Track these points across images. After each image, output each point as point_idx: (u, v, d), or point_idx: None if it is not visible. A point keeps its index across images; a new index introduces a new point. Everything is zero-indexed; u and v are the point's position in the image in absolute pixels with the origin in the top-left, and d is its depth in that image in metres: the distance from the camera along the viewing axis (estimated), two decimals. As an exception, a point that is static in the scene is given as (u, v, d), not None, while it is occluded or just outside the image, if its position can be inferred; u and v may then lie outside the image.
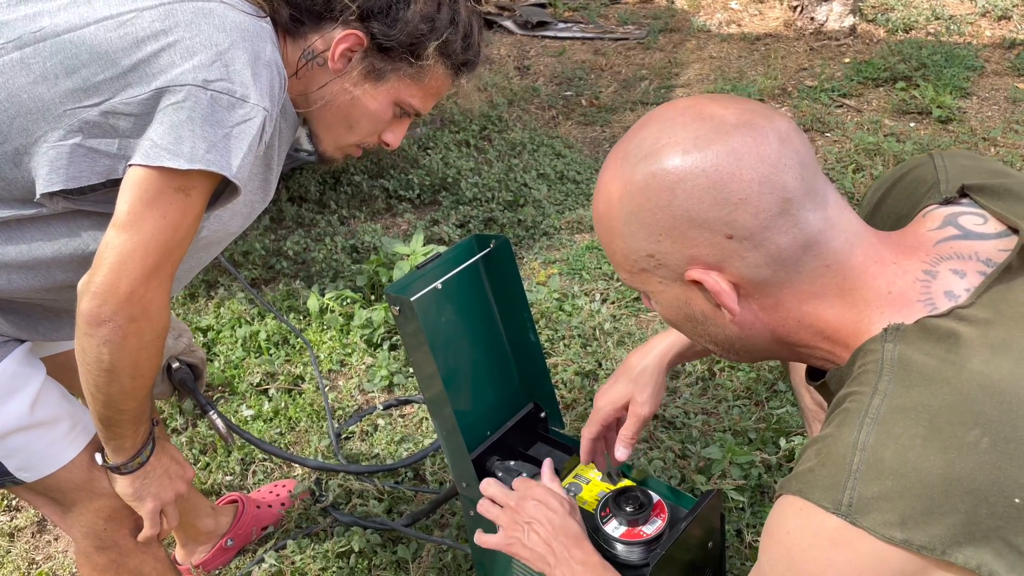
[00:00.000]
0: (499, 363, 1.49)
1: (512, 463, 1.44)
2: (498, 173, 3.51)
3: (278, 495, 1.98)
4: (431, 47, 1.16)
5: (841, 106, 4.06)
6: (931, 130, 3.67)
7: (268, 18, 1.11)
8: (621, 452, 1.33)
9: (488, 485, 1.30)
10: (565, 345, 2.41)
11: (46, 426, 1.19)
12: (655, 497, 1.31)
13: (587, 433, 1.36)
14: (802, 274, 0.84)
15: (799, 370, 1.36)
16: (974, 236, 0.86)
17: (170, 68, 1.00)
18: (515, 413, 1.52)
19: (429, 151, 3.67)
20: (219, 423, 1.42)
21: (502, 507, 1.26)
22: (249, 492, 2.03)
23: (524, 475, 1.40)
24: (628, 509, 1.28)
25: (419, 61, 1.16)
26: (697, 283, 0.85)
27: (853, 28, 4.90)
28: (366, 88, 1.18)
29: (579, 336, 2.43)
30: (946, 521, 0.69)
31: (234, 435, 1.46)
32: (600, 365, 2.31)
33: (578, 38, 5.48)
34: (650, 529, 1.26)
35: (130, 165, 1.01)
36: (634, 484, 1.38)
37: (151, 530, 1.29)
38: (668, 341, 1.33)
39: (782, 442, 1.91)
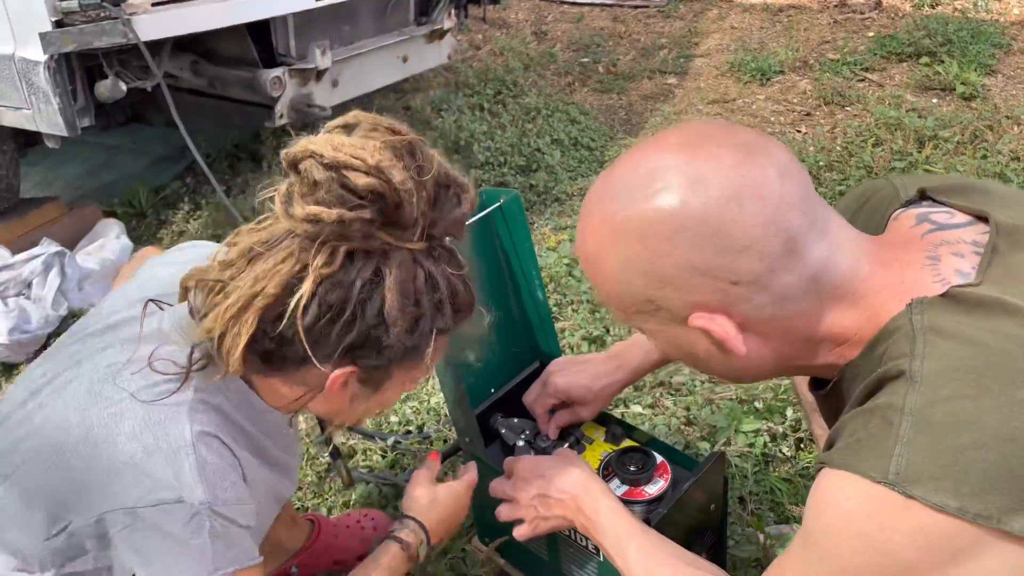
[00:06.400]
0: (506, 320, 1.48)
1: (515, 420, 1.43)
2: (511, 137, 3.48)
3: (363, 527, 1.64)
4: (427, 347, 1.01)
5: (863, 80, 3.99)
6: (954, 106, 3.60)
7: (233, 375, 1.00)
8: (553, 430, 1.39)
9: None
10: (573, 310, 2.39)
11: None
12: (658, 458, 1.30)
13: (540, 408, 1.40)
14: (810, 301, 0.82)
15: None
16: (949, 227, 0.87)
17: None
18: (520, 371, 1.51)
19: (443, 113, 3.64)
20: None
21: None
22: (329, 514, 1.74)
23: (527, 432, 1.40)
24: (631, 469, 1.27)
25: (417, 360, 1.02)
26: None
27: (879, 2, 4.81)
28: (371, 397, 1.08)
29: (588, 302, 2.41)
30: (1002, 487, 0.66)
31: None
32: (608, 331, 2.30)
33: (597, 4, 5.40)
34: (652, 489, 1.25)
35: None
36: (638, 444, 1.37)
37: None
38: (635, 364, 1.36)
39: (789, 412, 1.90)
